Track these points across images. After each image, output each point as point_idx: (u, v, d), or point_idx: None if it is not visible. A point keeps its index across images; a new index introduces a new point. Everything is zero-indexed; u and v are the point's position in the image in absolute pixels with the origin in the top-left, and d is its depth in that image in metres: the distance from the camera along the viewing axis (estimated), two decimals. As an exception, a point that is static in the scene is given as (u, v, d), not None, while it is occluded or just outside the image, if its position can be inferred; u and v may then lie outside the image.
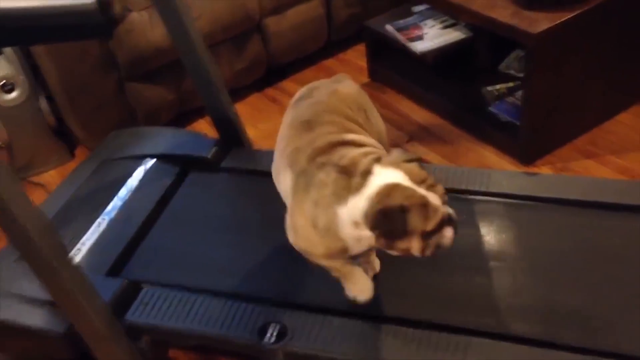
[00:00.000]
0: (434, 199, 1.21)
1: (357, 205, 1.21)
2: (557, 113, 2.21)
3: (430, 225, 1.20)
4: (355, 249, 1.31)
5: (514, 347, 1.36)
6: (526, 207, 1.70)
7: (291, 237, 1.36)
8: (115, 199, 1.87)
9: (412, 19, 2.68)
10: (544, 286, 1.50)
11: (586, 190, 1.73)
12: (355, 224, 1.23)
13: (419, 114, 2.55)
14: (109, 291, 1.52)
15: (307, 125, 1.36)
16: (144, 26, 2.38)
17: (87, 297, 1.41)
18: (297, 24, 2.79)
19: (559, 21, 1.98)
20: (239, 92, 2.75)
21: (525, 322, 1.42)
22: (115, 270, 1.65)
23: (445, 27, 2.59)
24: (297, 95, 1.51)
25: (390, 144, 2.40)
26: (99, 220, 1.80)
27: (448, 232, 1.24)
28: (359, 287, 1.44)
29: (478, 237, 1.64)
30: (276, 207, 1.82)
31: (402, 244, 1.22)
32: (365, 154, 1.28)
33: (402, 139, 2.45)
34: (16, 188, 1.25)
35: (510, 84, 2.45)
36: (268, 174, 1.91)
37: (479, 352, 1.35)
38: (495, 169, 2.19)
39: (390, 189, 1.20)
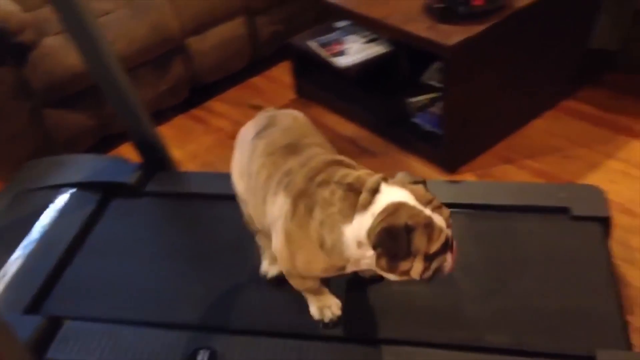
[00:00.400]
0: (439, 220, 1.20)
1: (362, 224, 1.19)
2: (476, 121, 2.27)
3: (434, 247, 1.19)
4: (352, 268, 1.30)
5: (445, 353, 1.39)
6: (452, 214, 1.74)
7: (284, 260, 1.31)
8: (33, 231, 1.80)
9: (335, 34, 2.72)
10: (474, 291, 1.53)
11: (507, 195, 1.79)
12: (359, 244, 1.21)
13: (346, 128, 2.58)
14: (27, 330, 1.46)
15: (291, 148, 1.34)
16: (60, 51, 2.32)
17: (2, 339, 1.34)
18: (220, 43, 2.78)
19: (471, 34, 2.04)
20: (163, 114, 2.71)
21: (454, 328, 1.45)
22: (34, 306, 1.59)
23: (367, 42, 2.64)
24: (251, 127, 1.46)
25: (318, 159, 2.43)
26: (15, 255, 1.73)
27: (449, 257, 1.24)
28: (329, 304, 1.46)
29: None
30: (203, 230, 1.81)
31: (403, 266, 1.19)
32: (370, 174, 1.26)
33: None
34: None
35: (432, 95, 2.51)
36: (195, 196, 1.92)
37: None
38: (421, 178, 2.24)
39: (396, 208, 1.18)
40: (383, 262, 1.20)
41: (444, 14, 2.14)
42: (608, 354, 1.35)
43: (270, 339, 1.44)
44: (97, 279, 1.66)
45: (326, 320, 1.47)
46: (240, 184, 1.45)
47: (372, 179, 1.23)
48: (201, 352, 1.41)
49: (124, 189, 1.92)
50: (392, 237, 1.16)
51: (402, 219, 1.16)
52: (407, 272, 1.21)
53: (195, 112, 2.83)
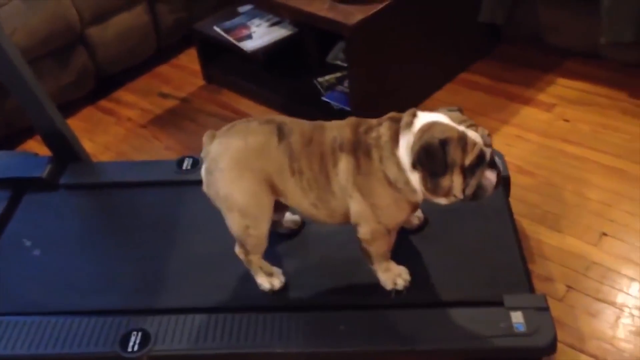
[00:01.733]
0: (472, 134, 1.30)
1: (408, 143, 1.31)
2: (381, 96, 2.38)
3: (469, 159, 1.28)
4: (421, 198, 1.38)
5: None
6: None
7: (368, 219, 1.40)
8: (-55, 231, 1.73)
9: (239, 19, 2.74)
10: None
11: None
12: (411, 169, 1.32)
13: (257, 111, 2.62)
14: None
15: (317, 128, 1.43)
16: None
17: None
18: (122, 32, 2.74)
19: (371, 12, 2.14)
20: (69, 107, 2.64)
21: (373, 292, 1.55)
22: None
23: (272, 25, 2.68)
24: (252, 141, 1.42)
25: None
26: None
27: (490, 174, 1.33)
28: (398, 272, 1.55)
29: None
30: (122, 218, 1.81)
31: (444, 182, 1.30)
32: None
33: (243, 136, 2.50)
34: None
35: (339, 74, 2.60)
36: (112, 185, 1.91)
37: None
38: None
39: (430, 126, 1.30)
40: (426, 181, 1.32)
41: (343, -5, 2.22)
42: (514, 298, 1.49)
43: (200, 315, 1.48)
44: (18, 274, 1.64)
45: (400, 288, 1.54)
46: (287, 186, 1.43)
47: (407, 112, 1.36)
48: (134, 333, 1.43)
49: (37, 184, 1.88)
50: (429, 153, 1.28)
51: (435, 135, 1.28)
52: (449, 191, 1.32)
53: (103, 103, 2.78)
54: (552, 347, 1.42)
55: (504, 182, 1.82)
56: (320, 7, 2.20)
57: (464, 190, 1.33)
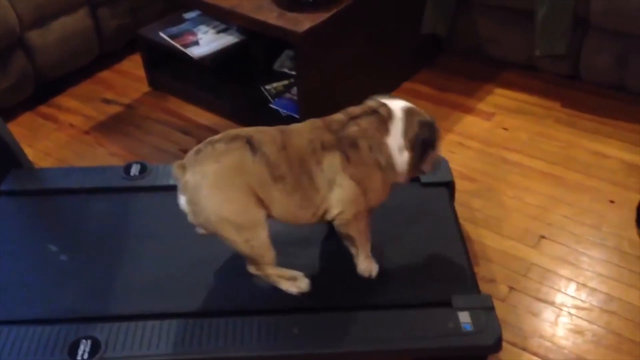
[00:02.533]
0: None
1: (397, 130, 1.49)
2: (330, 103, 2.39)
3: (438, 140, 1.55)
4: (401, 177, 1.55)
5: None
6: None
7: (355, 202, 1.49)
8: None
9: (185, 25, 2.73)
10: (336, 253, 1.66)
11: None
12: (399, 149, 1.50)
13: (204, 117, 2.61)
14: None
15: (286, 135, 1.49)
16: None
17: None
18: (63, 36, 2.67)
19: (319, 20, 2.17)
20: (8, 113, 2.55)
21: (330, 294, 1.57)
22: None
23: (219, 32, 2.68)
24: (227, 160, 1.44)
25: (179, 149, 2.44)
26: None
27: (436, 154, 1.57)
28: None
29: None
30: (66, 225, 1.77)
31: (432, 154, 1.53)
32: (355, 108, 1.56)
33: (190, 143, 2.47)
34: None
35: (286, 82, 2.62)
36: (57, 192, 1.86)
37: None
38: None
39: (410, 111, 1.52)
40: (414, 160, 1.51)
41: (291, 3, 2.24)
42: (461, 299, 1.55)
43: (151, 321, 1.46)
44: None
45: (374, 273, 1.63)
46: (272, 194, 1.45)
47: (372, 101, 1.56)
48: (83, 341, 1.39)
49: (-24, 190, 1.82)
50: (431, 131, 1.51)
51: (426, 116, 1.52)
52: (432, 162, 1.55)
53: (43, 108, 2.70)
54: (497, 346, 1.48)
55: (449, 187, 1.89)
56: (269, 15, 2.22)
57: (434, 166, 1.58)
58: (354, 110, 1.54)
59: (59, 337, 1.40)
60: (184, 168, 1.45)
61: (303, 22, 2.17)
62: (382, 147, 1.49)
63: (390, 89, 2.68)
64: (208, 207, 1.42)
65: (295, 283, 1.57)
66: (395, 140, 1.50)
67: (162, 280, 1.59)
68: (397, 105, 1.53)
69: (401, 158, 1.51)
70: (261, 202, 1.45)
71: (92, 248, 1.69)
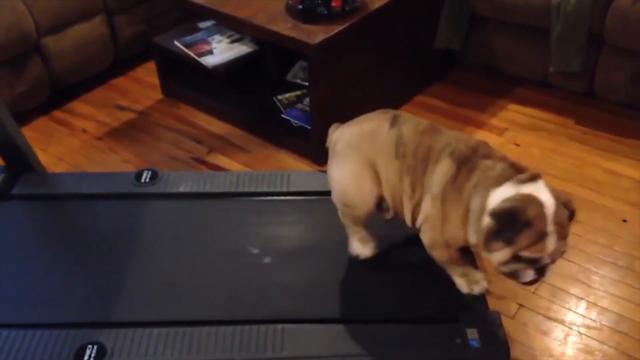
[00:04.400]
0: (551, 242, 1.25)
1: (504, 193, 1.28)
2: (342, 115, 2.39)
3: (527, 253, 1.26)
4: (472, 239, 1.37)
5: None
6: (322, 200, 1.85)
7: (433, 225, 1.43)
8: None
9: (200, 34, 2.75)
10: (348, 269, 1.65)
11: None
12: (485, 212, 1.30)
13: (217, 126, 2.62)
14: None
15: (436, 128, 1.49)
16: None
17: None
18: (79, 43, 2.70)
19: (333, 32, 2.18)
20: (23, 117, 2.58)
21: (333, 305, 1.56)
22: None
23: (232, 41, 2.70)
24: (366, 126, 1.55)
25: (190, 157, 2.46)
26: None
27: (529, 274, 1.30)
28: (476, 279, 1.53)
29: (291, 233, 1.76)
30: (77, 230, 1.77)
31: (496, 245, 1.28)
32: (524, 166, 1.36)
33: (202, 151, 2.49)
34: None
35: (298, 92, 2.63)
36: (68, 197, 1.87)
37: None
38: (293, 170, 2.33)
39: (534, 201, 1.26)
40: (487, 230, 1.29)
41: (305, 15, 2.26)
42: (469, 315, 1.53)
43: (157, 328, 1.46)
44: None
45: (476, 293, 1.53)
46: (389, 168, 1.48)
47: (535, 171, 1.33)
48: (89, 347, 1.39)
49: (-10, 193, 1.83)
50: (510, 217, 1.25)
51: (530, 211, 1.24)
52: (492, 252, 1.30)
53: (57, 114, 2.72)
54: (505, 363, 1.46)
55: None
56: (283, 26, 2.23)
57: (500, 265, 1.33)
58: (515, 162, 1.37)
59: (65, 341, 1.40)
60: (336, 128, 1.61)
61: (317, 34, 2.17)
62: (484, 194, 1.32)
63: (402, 102, 2.68)
64: (333, 163, 1.56)
65: (362, 245, 1.61)
66: (494, 199, 1.30)
67: (170, 287, 1.59)
68: (543, 192, 1.29)
69: (484, 221, 1.31)
70: (377, 179, 1.50)
71: (101, 253, 1.69)
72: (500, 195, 1.30)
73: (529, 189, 1.29)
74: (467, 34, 2.68)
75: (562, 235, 1.28)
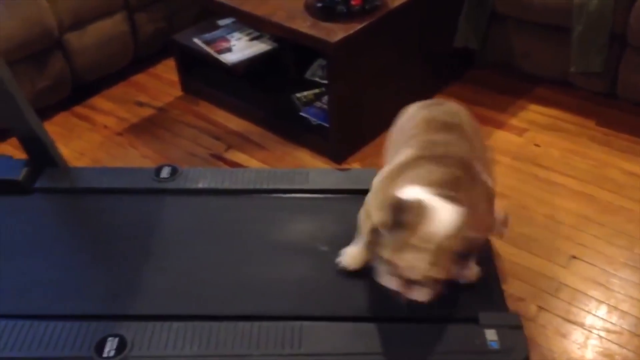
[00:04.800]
0: (413, 254, 1.26)
1: (414, 192, 1.33)
2: (360, 113, 2.42)
3: (385, 252, 1.29)
4: None
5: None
6: (343, 199, 1.86)
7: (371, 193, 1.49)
8: None
9: (219, 32, 2.76)
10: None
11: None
12: None
13: (235, 123, 2.63)
14: None
15: (448, 126, 1.54)
16: None
17: None
18: (100, 40, 2.72)
19: (352, 31, 2.18)
20: (44, 112, 2.60)
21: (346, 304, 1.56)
22: None
23: (252, 39, 2.70)
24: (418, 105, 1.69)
25: (209, 153, 2.47)
26: None
27: (391, 280, 1.33)
28: None
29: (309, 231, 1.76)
30: (98, 224, 1.79)
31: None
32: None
33: (220, 148, 2.50)
34: None
35: (317, 90, 2.63)
36: (89, 191, 1.88)
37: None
38: (312, 168, 2.34)
39: (420, 210, 1.27)
40: (379, 220, 1.31)
41: (325, 13, 2.25)
42: (489, 316, 1.52)
43: (177, 322, 1.47)
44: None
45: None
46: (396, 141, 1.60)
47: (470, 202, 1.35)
48: (109, 339, 1.41)
49: (12, 186, 1.85)
50: (395, 208, 1.26)
51: (408, 217, 1.26)
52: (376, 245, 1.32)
53: (79, 109, 2.75)
54: (524, 365, 1.45)
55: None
56: (302, 24, 2.24)
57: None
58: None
59: (87, 333, 1.42)
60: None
61: (336, 32, 2.17)
62: (390, 186, 1.40)
63: (421, 101, 2.66)
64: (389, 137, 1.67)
65: None
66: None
67: (189, 282, 1.60)
68: (430, 200, 1.31)
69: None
70: None
71: (121, 247, 1.70)
72: (412, 191, 1.32)
73: (438, 204, 1.29)
74: (486, 32, 2.66)
75: (437, 262, 1.27)
